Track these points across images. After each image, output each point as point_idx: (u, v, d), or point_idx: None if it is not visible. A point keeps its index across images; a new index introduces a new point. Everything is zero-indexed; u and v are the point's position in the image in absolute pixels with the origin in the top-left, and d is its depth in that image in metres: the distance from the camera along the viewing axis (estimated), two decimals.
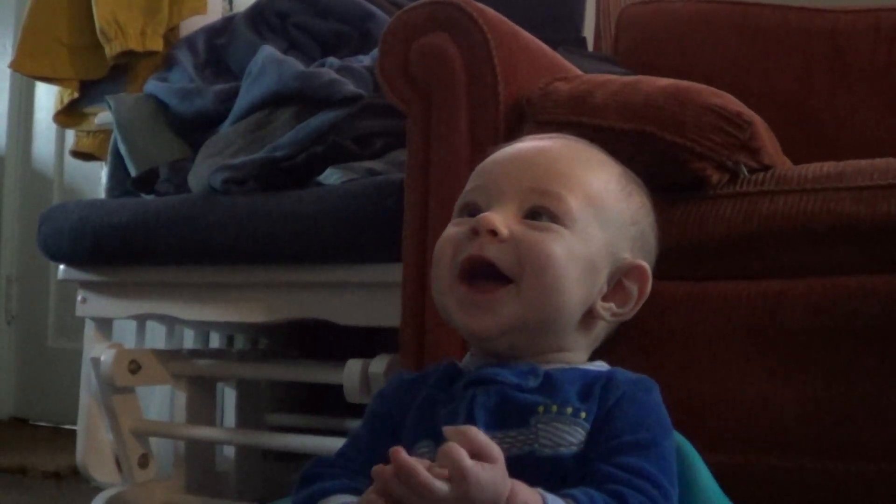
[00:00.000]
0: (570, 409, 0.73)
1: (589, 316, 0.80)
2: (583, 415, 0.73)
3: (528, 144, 0.84)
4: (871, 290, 1.03)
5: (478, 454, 0.64)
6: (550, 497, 0.66)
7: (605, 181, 0.81)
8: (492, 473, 0.63)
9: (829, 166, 1.12)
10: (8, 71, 2.55)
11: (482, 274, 0.76)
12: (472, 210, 0.80)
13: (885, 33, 1.81)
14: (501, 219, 0.76)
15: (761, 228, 1.09)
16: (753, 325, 1.08)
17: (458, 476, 0.62)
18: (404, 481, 0.61)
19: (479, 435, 0.65)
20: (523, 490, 0.65)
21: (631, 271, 0.81)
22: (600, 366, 0.80)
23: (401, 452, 0.62)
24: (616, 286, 0.81)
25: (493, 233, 0.75)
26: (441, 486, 0.61)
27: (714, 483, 0.79)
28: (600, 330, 0.83)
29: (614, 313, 0.81)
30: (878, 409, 1.02)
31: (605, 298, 0.81)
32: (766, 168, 1.15)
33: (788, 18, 1.88)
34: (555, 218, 0.77)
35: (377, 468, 0.63)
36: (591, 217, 0.78)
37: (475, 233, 0.76)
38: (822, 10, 1.87)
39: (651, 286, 0.83)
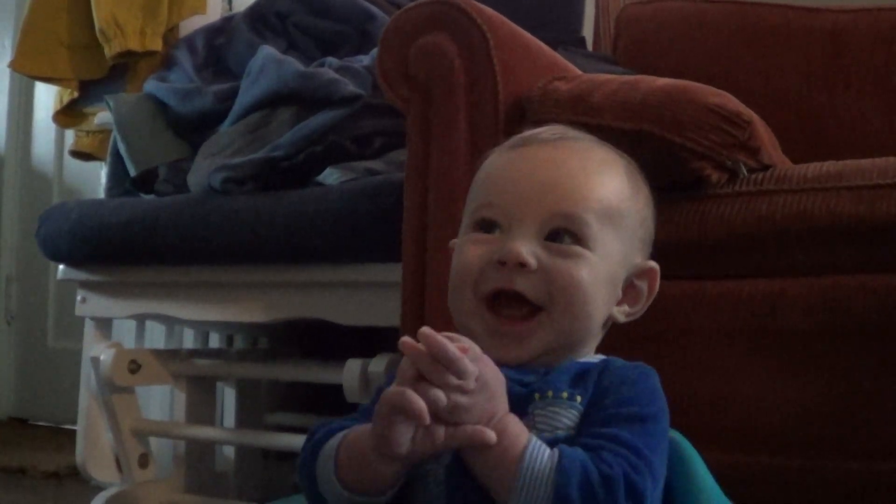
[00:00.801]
0: (564, 394, 0.74)
1: (605, 322, 0.82)
2: (578, 398, 0.74)
3: (542, 158, 0.81)
4: (871, 290, 1.03)
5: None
6: (535, 440, 0.69)
7: (618, 185, 0.81)
8: (497, 369, 0.70)
9: (828, 166, 1.12)
10: (8, 71, 2.55)
11: (509, 300, 0.77)
12: (489, 226, 0.80)
13: (885, 33, 1.81)
14: (528, 247, 0.76)
15: (761, 228, 1.09)
16: (753, 325, 1.08)
17: (474, 355, 0.68)
18: (436, 355, 0.66)
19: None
20: (516, 421, 0.70)
21: (643, 273, 0.83)
22: (595, 357, 0.81)
23: (430, 330, 0.66)
24: (627, 287, 0.82)
25: (522, 264, 0.76)
26: (471, 364, 0.67)
27: (713, 481, 0.80)
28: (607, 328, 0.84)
29: (628, 314, 0.83)
30: (878, 408, 1.03)
31: (618, 302, 0.82)
32: (765, 167, 1.15)
33: (788, 18, 1.88)
34: (578, 240, 0.78)
35: (405, 339, 0.67)
36: (610, 232, 0.79)
37: (502, 262, 0.76)
38: (822, 9, 1.87)
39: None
